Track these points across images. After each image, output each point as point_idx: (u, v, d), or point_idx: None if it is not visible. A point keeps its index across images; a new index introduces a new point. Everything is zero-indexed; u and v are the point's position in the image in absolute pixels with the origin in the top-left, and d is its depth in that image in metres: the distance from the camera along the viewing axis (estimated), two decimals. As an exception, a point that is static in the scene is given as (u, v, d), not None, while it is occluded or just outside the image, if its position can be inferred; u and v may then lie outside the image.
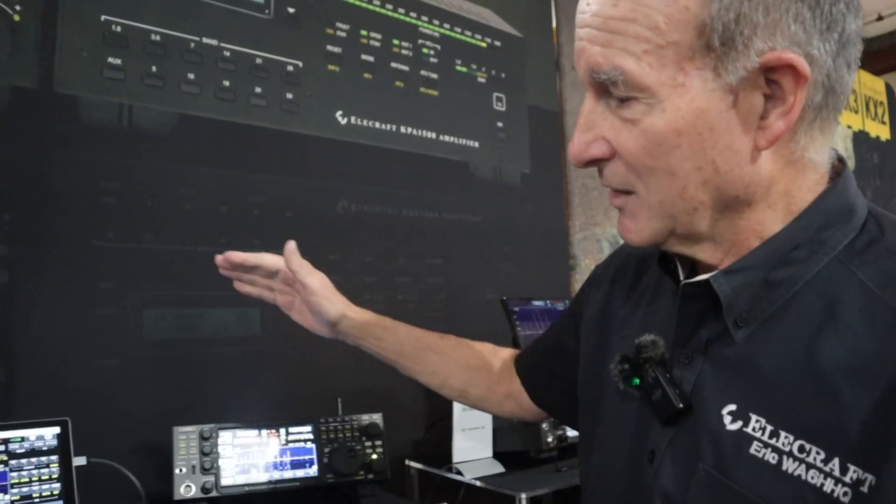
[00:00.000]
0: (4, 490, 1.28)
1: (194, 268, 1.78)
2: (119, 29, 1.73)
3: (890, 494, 0.53)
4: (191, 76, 1.82)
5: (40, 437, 1.35)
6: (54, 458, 1.34)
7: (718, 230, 0.65)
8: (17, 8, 1.61)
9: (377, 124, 2.15)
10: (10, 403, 1.48)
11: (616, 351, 0.74)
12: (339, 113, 2.07)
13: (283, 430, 1.51)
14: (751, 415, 0.61)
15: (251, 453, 1.47)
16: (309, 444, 1.52)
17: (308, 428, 1.54)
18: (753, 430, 0.61)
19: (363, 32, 2.13)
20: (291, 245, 1.04)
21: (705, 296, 0.65)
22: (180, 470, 1.40)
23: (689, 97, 0.59)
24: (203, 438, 1.43)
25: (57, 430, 1.36)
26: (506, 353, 1.07)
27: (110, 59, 1.71)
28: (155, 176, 1.74)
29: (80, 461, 1.36)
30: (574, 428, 0.93)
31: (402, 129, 2.20)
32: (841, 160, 0.67)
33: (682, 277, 0.72)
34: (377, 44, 2.15)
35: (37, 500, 1.30)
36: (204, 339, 1.78)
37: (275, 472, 1.48)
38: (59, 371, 1.54)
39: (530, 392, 1.01)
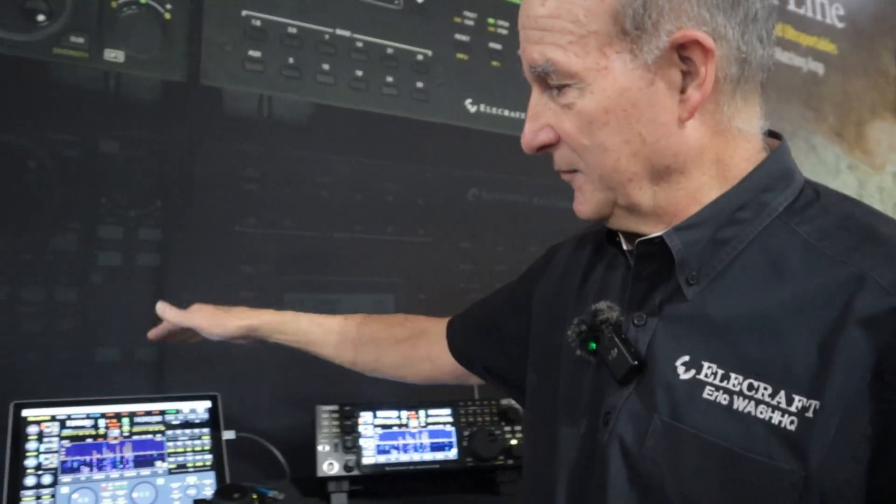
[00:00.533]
0: (162, 458, 1.32)
1: (330, 254, 1.79)
2: (258, 23, 1.77)
3: (833, 412, 0.58)
4: (325, 67, 1.85)
5: (193, 411, 1.38)
6: (206, 430, 1.37)
7: (658, 201, 0.70)
8: (168, 7, 1.67)
9: (506, 112, 2.11)
10: (164, 379, 1.52)
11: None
12: (468, 101, 2.05)
13: (422, 412, 1.49)
14: (703, 363, 0.66)
15: (391, 434, 1.45)
16: (448, 427, 1.49)
17: (447, 411, 1.51)
18: (706, 376, 0.66)
19: (490, 21, 2.11)
20: (159, 308, 1.22)
21: (658, 255, 0.70)
22: (323, 448, 1.40)
23: (612, 78, 0.66)
24: (345, 417, 1.43)
25: (208, 404, 1.39)
26: (424, 319, 1.17)
27: (251, 52, 1.76)
28: (293, 164, 1.77)
29: (229, 435, 1.38)
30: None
31: (532, 117, 2.15)
32: (775, 134, 0.74)
33: (626, 248, 0.77)
34: (505, 31, 2.13)
35: (190, 469, 1.33)
36: (342, 323, 1.79)
37: (414, 453, 1.45)
38: (207, 350, 1.57)
39: (458, 356, 1.08)
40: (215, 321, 1.19)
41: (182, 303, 1.55)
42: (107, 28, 1.60)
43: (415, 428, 1.47)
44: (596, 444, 0.72)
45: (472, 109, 2.05)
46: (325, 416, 1.42)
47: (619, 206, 0.72)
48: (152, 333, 1.28)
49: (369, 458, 1.42)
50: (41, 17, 1.55)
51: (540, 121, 0.72)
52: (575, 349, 0.76)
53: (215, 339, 1.21)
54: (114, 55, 1.61)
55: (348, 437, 1.42)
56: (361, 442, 1.43)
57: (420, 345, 1.13)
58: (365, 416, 1.44)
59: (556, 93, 0.69)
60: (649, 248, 0.71)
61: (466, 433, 1.49)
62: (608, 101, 0.66)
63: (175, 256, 1.62)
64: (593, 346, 0.74)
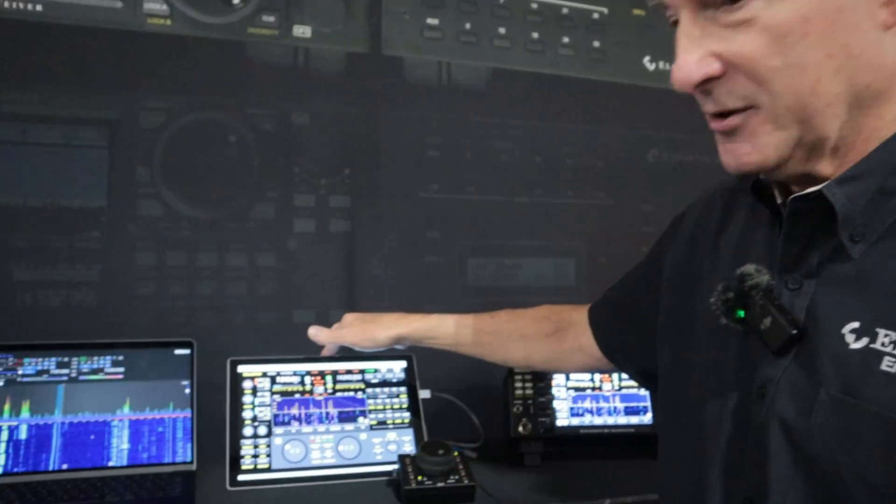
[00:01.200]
0: (364, 414, 1.35)
1: (512, 218, 1.78)
2: (436, -10, 1.77)
3: None
4: (501, 31, 1.82)
5: (390, 370, 1.41)
6: (402, 389, 1.40)
7: (844, 133, 0.59)
8: (349, -21, 1.70)
9: (687, 69, 2.00)
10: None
11: (706, 298, 0.71)
12: (646, 59, 1.96)
13: (615, 376, 1.44)
14: (877, 330, 0.57)
15: (584, 396, 1.42)
16: (642, 391, 1.44)
17: (640, 374, 1.46)
18: (882, 345, 0.57)
19: (669, -26, 2.01)
20: (312, 333, 1.27)
21: (815, 212, 0.62)
22: (517, 409, 1.39)
23: None
24: (538, 380, 1.41)
25: (404, 364, 1.42)
26: (569, 309, 1.10)
27: (429, 20, 1.76)
28: (473, 130, 1.76)
29: (424, 394, 1.40)
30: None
31: (714, 73, 2.03)
32: None
33: (780, 202, 0.68)
34: (684, -16, 2.01)
35: (390, 426, 1.35)
36: (522, 287, 1.77)
37: (608, 417, 1.41)
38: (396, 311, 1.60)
39: (601, 344, 1.01)
40: (365, 336, 1.21)
41: (371, 266, 1.59)
42: (294, 6, 1.64)
43: (608, 391, 1.43)
44: (750, 420, 0.66)
45: (651, 67, 1.96)
46: (519, 379, 1.41)
47: (800, 146, 0.61)
48: (324, 353, 1.31)
49: (562, 420, 1.40)
50: (236, 0, 1.62)
51: (700, 49, 0.60)
52: (717, 318, 0.69)
53: (369, 351, 1.25)
54: (302, 31, 1.66)
55: (542, 399, 1.40)
56: (555, 404, 1.40)
57: (568, 337, 1.09)
58: (558, 379, 1.42)
59: (724, 11, 0.58)
60: (805, 204, 0.62)
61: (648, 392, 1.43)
62: (807, 6, 0.55)
63: (363, 222, 1.66)
64: (741, 314, 0.66)
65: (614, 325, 1.02)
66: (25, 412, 1.29)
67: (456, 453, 1.21)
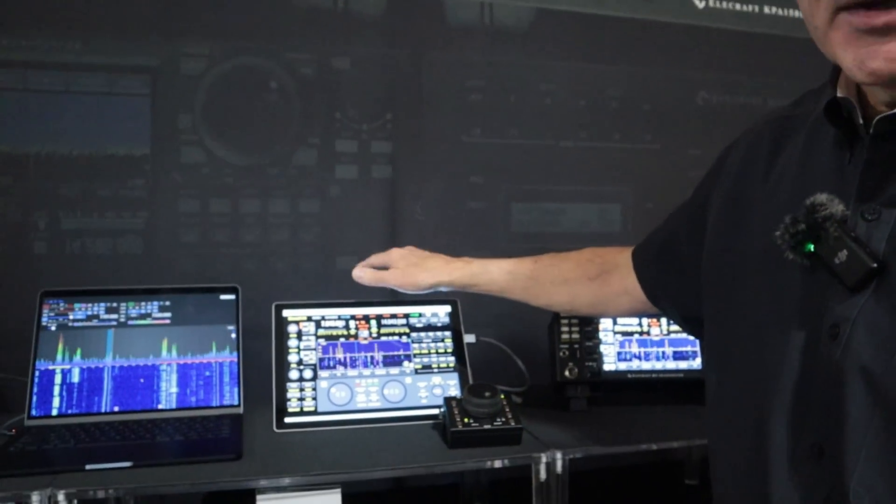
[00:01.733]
0: (409, 359, 1.33)
1: (556, 163, 1.72)
2: (477, -72, 1.70)
3: None
4: (545, -31, 1.75)
5: (434, 314, 1.38)
6: (447, 333, 1.37)
7: None
8: (388, -81, 1.64)
9: (737, 6, 1.90)
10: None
11: (759, 233, 0.67)
12: (696, -3, 1.87)
13: (664, 320, 1.39)
14: None
15: (631, 341, 1.38)
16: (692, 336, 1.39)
17: (689, 319, 1.41)
18: None
19: None
20: (356, 273, 1.23)
21: None
22: (563, 353, 1.35)
23: None
24: (584, 323, 1.37)
25: (448, 308, 1.39)
26: (613, 252, 1.05)
27: (470, -40, 1.69)
28: (516, 72, 1.71)
29: (469, 338, 1.37)
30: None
31: (767, 10, 1.93)
32: None
33: (860, 122, 0.61)
34: (736, -83, 1.91)
35: (435, 369, 1.33)
36: (566, 233, 1.73)
37: (656, 361, 1.37)
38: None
39: (645, 288, 0.97)
40: (407, 280, 1.18)
41: (413, 212, 1.56)
42: (332, -54, 1.59)
43: (656, 336, 1.39)
44: (820, 362, 0.60)
45: (700, 5, 1.87)
46: (565, 323, 1.37)
47: None
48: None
49: (609, 364, 1.36)
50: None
51: None
52: (777, 254, 0.63)
53: (408, 293, 1.21)
54: (340, -28, 1.61)
55: (588, 344, 1.36)
56: (602, 349, 1.36)
57: (613, 280, 1.04)
58: (605, 323, 1.38)
59: None
60: (894, 125, 0.56)
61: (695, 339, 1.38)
62: None
63: (405, 168, 1.63)
64: (810, 247, 0.61)
65: (657, 267, 0.97)
66: (77, 356, 1.30)
67: (502, 396, 1.19)
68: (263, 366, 1.45)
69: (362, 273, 1.22)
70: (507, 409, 1.18)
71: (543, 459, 1.14)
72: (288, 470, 1.07)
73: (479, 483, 1.53)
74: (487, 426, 1.15)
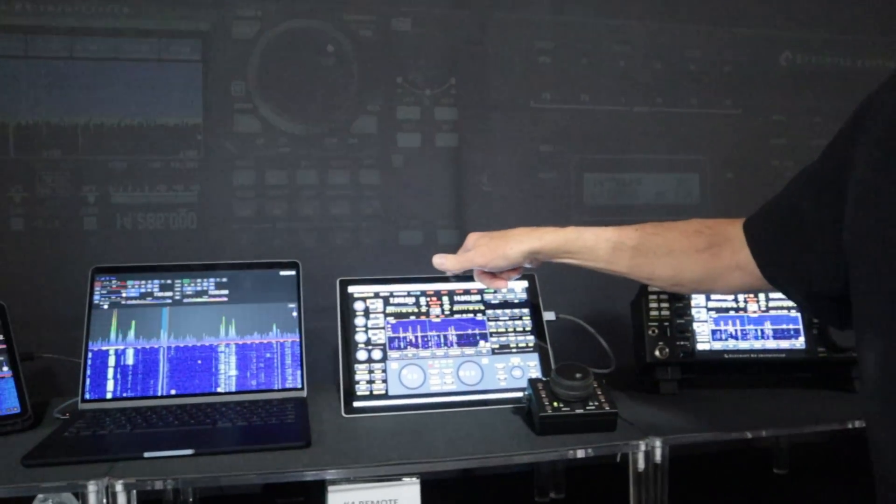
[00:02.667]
0: (485, 338, 1.21)
1: (631, 130, 1.58)
2: None
3: None
4: (617, -78, 1.59)
5: (511, 290, 1.25)
6: (525, 311, 1.24)
7: None
8: None
9: (823, -40, 1.73)
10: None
11: None
12: (778, -50, 1.70)
13: (762, 296, 1.25)
14: None
15: (728, 318, 1.23)
16: (793, 312, 1.24)
17: (789, 294, 1.26)
18: None
19: None
20: (437, 261, 1.08)
21: None
22: (652, 332, 1.21)
23: None
24: (675, 299, 1.23)
25: (525, 283, 1.26)
26: (724, 223, 0.92)
27: (537, -87, 1.55)
28: (588, 32, 1.56)
29: (549, 316, 1.24)
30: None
31: (854, -36, 1.75)
32: None
33: None
34: None
35: (513, 349, 1.21)
36: (642, 206, 1.58)
37: (755, 341, 1.23)
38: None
39: (760, 263, 0.86)
40: (495, 254, 1.03)
41: (480, 183, 1.43)
42: None
43: (754, 312, 1.24)
44: None
45: (783, -40, 1.70)
46: (654, 298, 1.23)
47: None
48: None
49: (703, 344, 1.22)
50: None
51: None
52: None
53: (501, 270, 1.06)
54: (400, -71, 1.48)
55: (680, 321, 1.22)
56: (695, 326, 1.22)
57: (723, 253, 0.91)
58: (697, 299, 1.23)
59: None
60: None
61: (816, 320, 1.23)
62: None
63: (471, 136, 1.50)
64: None
65: (776, 241, 0.84)
66: (131, 335, 1.20)
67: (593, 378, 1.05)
68: (326, 346, 1.35)
69: (444, 259, 1.08)
70: (600, 392, 1.05)
71: (642, 447, 1.01)
72: (361, 459, 0.95)
73: (555, 470, 1.40)
74: (579, 410, 1.02)
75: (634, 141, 1.58)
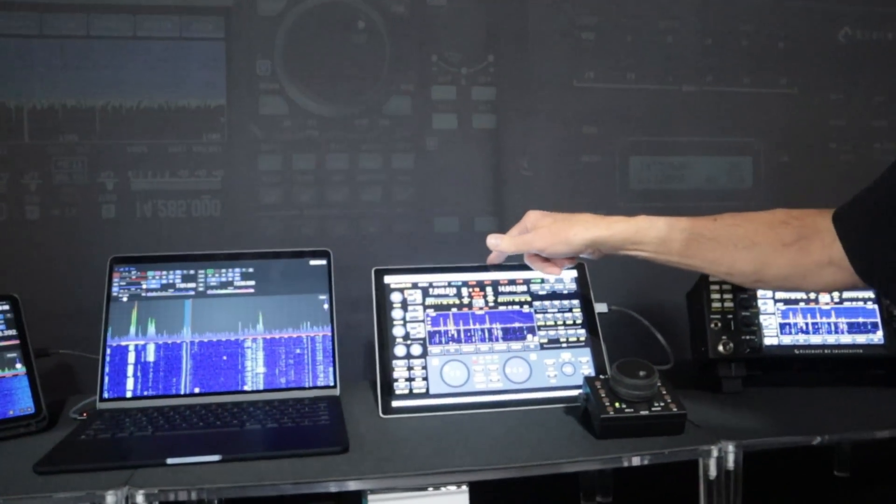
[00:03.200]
0: (533, 332, 1.10)
1: (680, 110, 1.47)
2: None
3: None
4: None
5: (559, 280, 1.15)
6: (575, 302, 1.14)
7: None
8: None
9: (882, -71, 1.60)
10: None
11: None
12: (834, -81, 1.57)
13: (833, 285, 1.13)
14: None
15: (797, 311, 1.12)
16: (870, 305, 1.13)
17: (863, 284, 1.14)
18: None
19: None
20: (492, 241, 0.98)
21: None
22: (714, 325, 1.10)
23: None
24: (739, 290, 1.12)
25: (574, 273, 1.15)
26: (812, 214, 0.82)
27: None
28: (633, 7, 1.45)
29: (601, 308, 1.13)
30: None
31: (916, -67, 1.62)
32: None
33: None
34: None
35: (563, 344, 1.10)
36: (691, 191, 1.47)
37: (827, 335, 1.11)
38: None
39: (853, 260, 0.77)
40: (557, 238, 0.93)
41: (518, 166, 1.32)
42: None
43: (826, 304, 1.13)
44: None
45: (840, -72, 1.57)
46: (716, 290, 1.12)
47: None
48: (490, 260, 1.03)
49: (771, 338, 1.11)
50: None
51: None
52: None
53: (559, 257, 0.96)
54: None
55: (744, 313, 1.11)
56: (761, 319, 1.11)
57: (813, 248, 0.81)
58: (764, 290, 1.12)
59: None
60: None
61: None
62: None
63: (510, 117, 1.39)
64: None
65: (871, 234, 0.75)
66: (152, 330, 1.10)
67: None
68: (358, 341, 1.25)
69: (499, 240, 0.98)
70: (665, 392, 0.95)
71: (714, 453, 0.90)
72: (404, 466, 0.85)
73: (602, 472, 1.29)
74: (644, 412, 0.92)
75: (683, 122, 1.46)
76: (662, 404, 0.92)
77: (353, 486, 0.82)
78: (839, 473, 1.40)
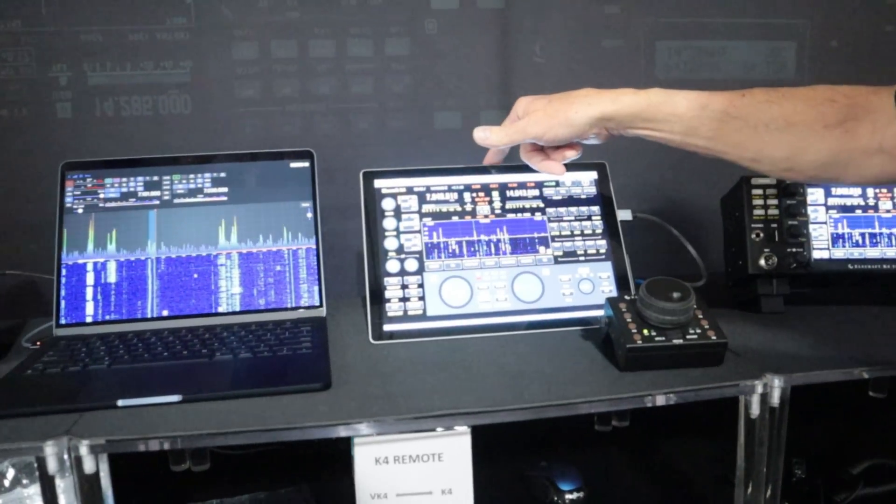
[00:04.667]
0: (545, 243, 0.94)
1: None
2: None
3: None
4: None
5: (576, 183, 0.97)
6: (594, 209, 0.96)
7: None
8: None
9: None
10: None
11: None
12: None
13: (894, 191, 0.95)
14: None
15: (853, 219, 0.95)
16: (937, 210, 0.95)
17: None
18: None
19: None
20: (479, 135, 0.83)
21: None
22: (756, 235, 0.93)
23: None
24: (785, 194, 0.94)
25: (594, 175, 0.97)
26: (865, 92, 0.67)
27: None
28: None
29: (624, 215, 0.96)
30: None
31: None
32: None
33: None
34: None
35: (580, 257, 0.94)
36: (726, 80, 1.27)
37: (887, 248, 0.94)
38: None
39: None
40: (555, 120, 0.78)
41: (530, 52, 1.12)
42: None
43: (888, 212, 0.95)
44: None
45: None
46: (758, 193, 0.94)
47: None
48: (487, 160, 0.90)
49: (821, 251, 0.94)
50: None
51: None
52: None
53: (560, 143, 0.81)
54: None
55: (791, 223, 0.94)
56: (811, 228, 0.94)
57: (861, 130, 0.66)
58: (814, 194, 0.94)
59: None
60: None
61: (967, 220, 0.94)
62: None
63: (521, -6, 1.17)
64: None
65: None
66: (112, 246, 0.95)
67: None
68: (347, 253, 1.09)
69: (488, 132, 0.81)
70: (701, 316, 0.79)
71: (759, 389, 0.75)
72: (396, 406, 0.70)
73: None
74: (677, 341, 0.76)
75: (718, 1, 1.24)
76: (699, 331, 0.77)
77: (331, 432, 0.68)
78: (874, 394, 1.27)
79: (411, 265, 0.91)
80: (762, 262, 0.92)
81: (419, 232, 0.92)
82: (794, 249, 0.93)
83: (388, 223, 0.92)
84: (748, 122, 0.70)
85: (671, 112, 0.73)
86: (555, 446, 1.07)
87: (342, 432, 0.68)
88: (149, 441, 0.66)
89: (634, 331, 0.76)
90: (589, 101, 0.76)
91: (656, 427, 1.08)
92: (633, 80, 1.18)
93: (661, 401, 0.73)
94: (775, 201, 0.94)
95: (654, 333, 0.76)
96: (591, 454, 1.09)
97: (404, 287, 0.90)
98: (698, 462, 1.11)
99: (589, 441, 1.05)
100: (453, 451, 0.74)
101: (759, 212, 0.94)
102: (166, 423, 0.68)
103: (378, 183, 0.94)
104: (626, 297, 0.81)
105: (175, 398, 0.71)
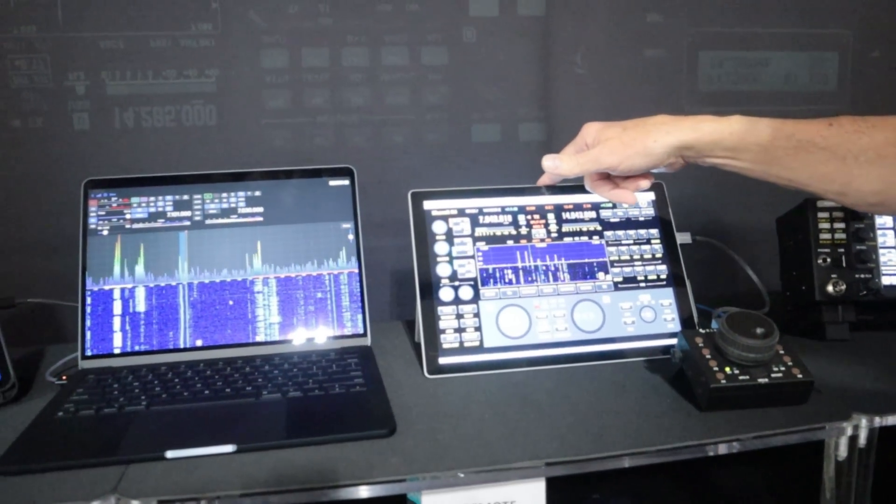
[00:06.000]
0: (605, 268, 0.88)
1: (760, -8, 1.18)
2: None
3: None
4: None
5: (634, 205, 0.91)
6: (653, 232, 0.91)
7: None
8: None
9: None
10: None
11: None
12: None
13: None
14: None
15: (921, 241, 0.90)
16: None
17: None
18: None
19: None
20: (549, 163, 0.75)
21: None
22: (823, 261, 0.88)
23: None
24: (853, 218, 0.89)
25: (651, 195, 0.92)
26: None
27: None
28: None
29: (684, 238, 0.91)
30: None
31: None
32: None
33: None
34: None
35: (641, 283, 0.88)
36: (768, 93, 1.21)
37: (955, 270, 0.89)
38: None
39: None
40: (632, 149, 0.71)
41: (571, 64, 1.06)
42: None
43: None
44: None
45: None
46: (824, 215, 0.89)
47: None
48: (542, 181, 0.81)
49: (890, 277, 0.89)
50: None
51: None
52: None
53: (635, 173, 0.74)
54: None
55: (860, 247, 0.88)
56: (881, 253, 0.89)
57: None
58: (883, 217, 0.89)
59: None
60: None
61: None
62: None
63: (561, 3, 1.11)
64: None
65: None
66: (140, 270, 0.87)
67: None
68: (384, 272, 1.03)
69: (558, 160, 0.74)
70: (783, 352, 0.73)
71: (848, 431, 0.70)
72: (473, 456, 0.64)
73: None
74: (763, 380, 0.70)
75: (761, 11, 1.18)
76: (783, 369, 0.71)
77: (407, 488, 0.62)
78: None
79: (466, 293, 0.84)
80: (830, 288, 0.87)
81: (473, 257, 0.86)
82: (863, 276, 0.87)
83: (440, 248, 0.86)
84: (836, 154, 0.64)
85: (755, 141, 0.67)
86: (609, 477, 1.02)
87: (419, 487, 0.62)
88: (206, 500, 0.59)
89: (716, 368, 0.71)
90: (667, 129, 0.70)
91: (719, 459, 1.03)
92: (673, 92, 1.14)
93: (749, 445, 0.68)
94: (842, 224, 0.89)
95: (736, 372, 0.71)
96: (647, 486, 1.03)
97: (459, 317, 0.83)
98: (763, 499, 1.06)
99: (645, 472, 0.99)
100: (527, 498, 0.68)
101: (825, 236, 0.88)
102: (221, 476, 0.61)
103: (427, 204, 0.87)
104: (703, 331, 0.75)
105: (229, 448, 0.64)
